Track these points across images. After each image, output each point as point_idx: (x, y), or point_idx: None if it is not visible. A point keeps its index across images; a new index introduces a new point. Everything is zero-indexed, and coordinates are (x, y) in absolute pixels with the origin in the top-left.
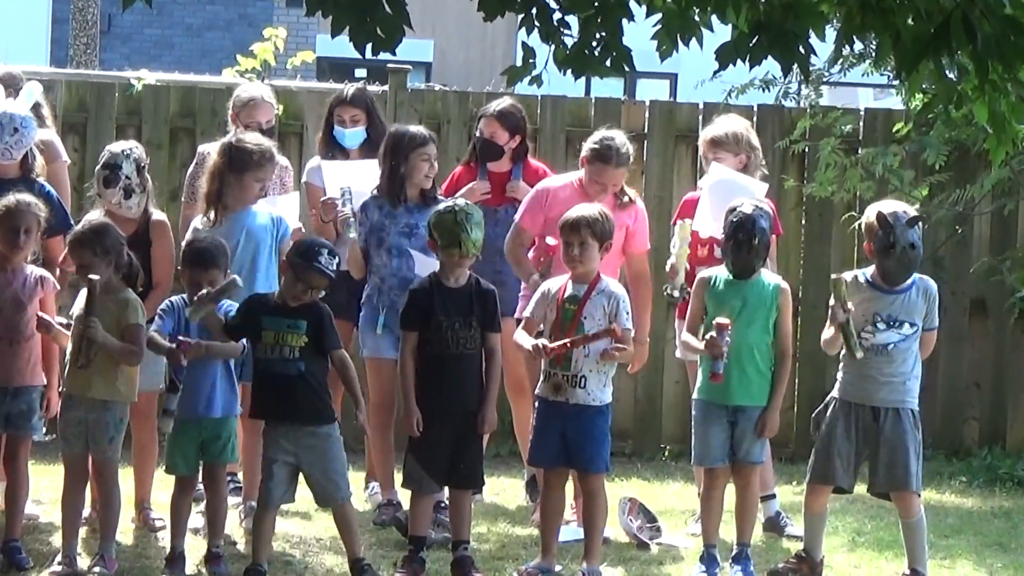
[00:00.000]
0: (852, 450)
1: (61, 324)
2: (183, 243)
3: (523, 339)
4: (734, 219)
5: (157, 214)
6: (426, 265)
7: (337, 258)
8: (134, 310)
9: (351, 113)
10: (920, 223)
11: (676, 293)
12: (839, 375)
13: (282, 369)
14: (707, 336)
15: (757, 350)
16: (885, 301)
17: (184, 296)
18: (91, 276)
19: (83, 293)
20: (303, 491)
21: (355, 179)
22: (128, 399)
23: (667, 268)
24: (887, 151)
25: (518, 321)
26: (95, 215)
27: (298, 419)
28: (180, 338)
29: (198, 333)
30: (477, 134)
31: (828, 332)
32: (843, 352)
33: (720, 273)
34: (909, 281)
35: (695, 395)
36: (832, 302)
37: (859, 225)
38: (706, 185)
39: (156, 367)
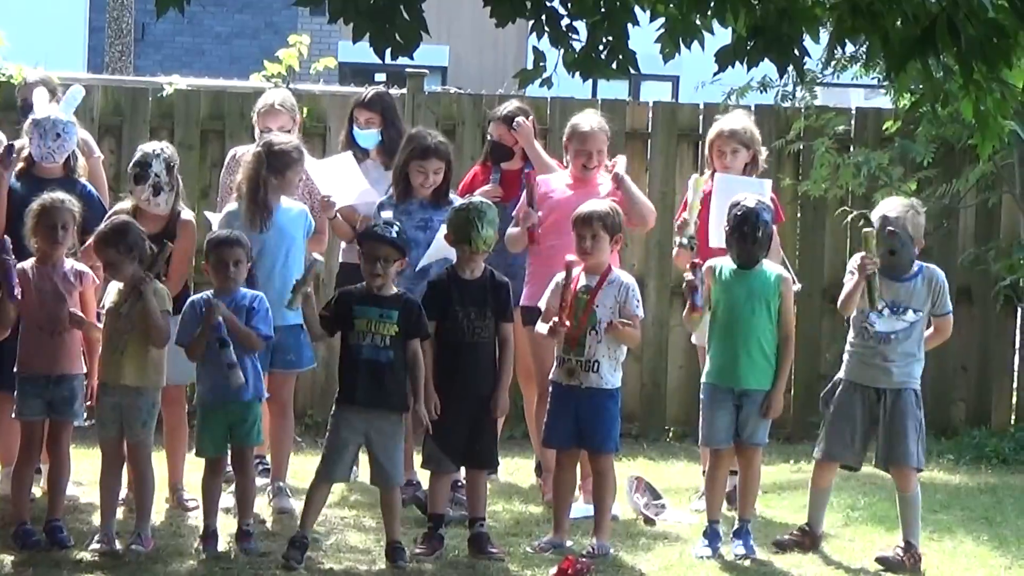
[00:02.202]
0: (860, 429)
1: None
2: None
3: (541, 327)
4: (738, 212)
5: (186, 213)
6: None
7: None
8: (161, 298)
9: (366, 116)
10: (901, 226)
11: (685, 241)
12: (845, 357)
13: (373, 356)
14: (685, 276)
15: (762, 336)
16: (891, 288)
17: (206, 294)
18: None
19: (111, 287)
20: None
21: (338, 175)
22: (157, 385)
23: (678, 221)
24: (878, 154)
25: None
26: (124, 205)
27: (384, 406)
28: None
29: (226, 327)
30: (488, 137)
31: (848, 287)
32: (850, 335)
33: (725, 263)
34: (915, 269)
35: (703, 379)
36: (863, 253)
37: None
38: (714, 197)
39: (187, 363)
